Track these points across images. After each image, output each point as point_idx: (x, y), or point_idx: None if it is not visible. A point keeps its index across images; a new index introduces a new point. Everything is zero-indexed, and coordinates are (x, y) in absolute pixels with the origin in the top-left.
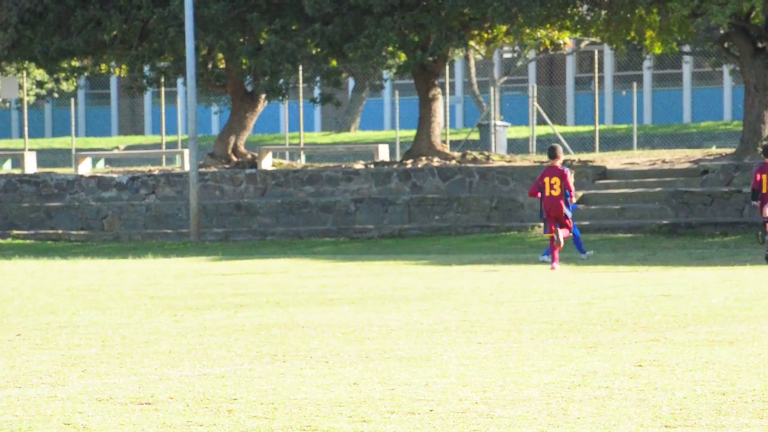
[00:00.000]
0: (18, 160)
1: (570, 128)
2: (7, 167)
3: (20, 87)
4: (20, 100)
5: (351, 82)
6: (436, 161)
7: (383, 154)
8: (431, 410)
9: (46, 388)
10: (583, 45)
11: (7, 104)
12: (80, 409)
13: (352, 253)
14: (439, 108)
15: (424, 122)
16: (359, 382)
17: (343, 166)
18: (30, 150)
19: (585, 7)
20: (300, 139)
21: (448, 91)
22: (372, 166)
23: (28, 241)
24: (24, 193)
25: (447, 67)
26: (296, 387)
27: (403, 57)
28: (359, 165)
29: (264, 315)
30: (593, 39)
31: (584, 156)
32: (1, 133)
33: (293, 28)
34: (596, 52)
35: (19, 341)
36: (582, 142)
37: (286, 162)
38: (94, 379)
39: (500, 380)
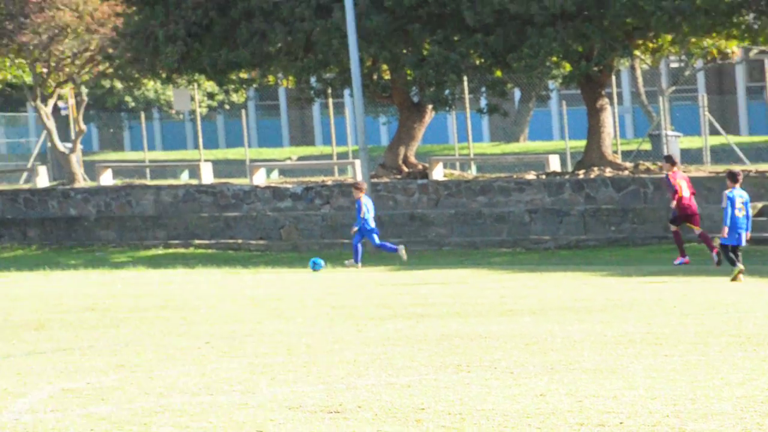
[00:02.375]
0: (195, 171)
1: (744, 138)
2: (184, 177)
3: (192, 99)
4: (193, 112)
5: (517, 93)
6: (608, 171)
7: (554, 164)
8: (621, 423)
9: (236, 396)
10: (752, 54)
11: (181, 116)
12: (271, 417)
13: (528, 263)
14: (607, 118)
15: (593, 132)
16: (546, 394)
17: (515, 176)
18: (205, 161)
19: (752, 15)
20: (469, 150)
21: (616, 101)
22: (544, 176)
23: (209, 251)
24: (203, 203)
25: (613, 77)
26: (483, 397)
27: (567, 67)
28: (531, 175)
29: (445, 325)
30: (762, 48)
31: (761, 167)
32: (177, 144)
33: (455, 39)
34: (766, 61)
35: (207, 349)
36: (758, 153)
37: (456, 172)
38: (282, 387)
39: (690, 393)
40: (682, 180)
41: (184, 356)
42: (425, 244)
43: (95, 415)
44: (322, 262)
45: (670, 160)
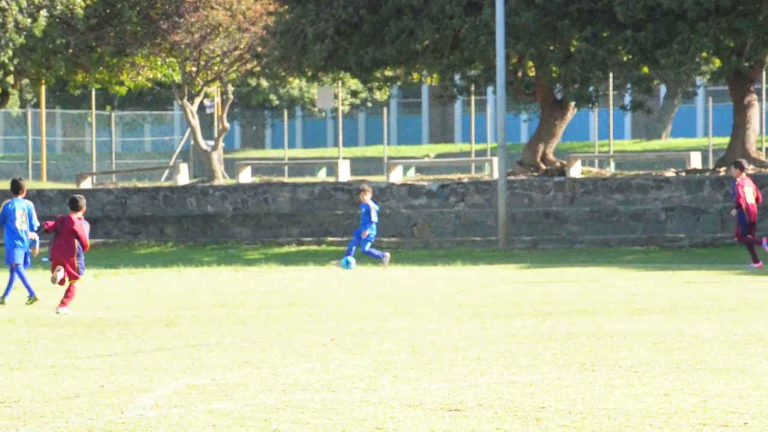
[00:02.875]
0: (332, 168)
1: None
2: (322, 175)
3: (335, 96)
4: (335, 110)
5: (662, 89)
6: (750, 169)
7: (695, 161)
8: (745, 423)
9: (358, 393)
10: None
11: (323, 113)
12: (391, 414)
13: (662, 262)
14: (754, 114)
15: (738, 129)
16: (670, 393)
17: (654, 173)
18: (344, 158)
19: None
20: (609, 147)
21: (764, 97)
22: (683, 173)
23: (341, 248)
24: (338, 200)
25: (764, 73)
26: (605, 396)
27: (717, 63)
28: (670, 173)
29: (572, 324)
30: None
31: None
32: (317, 141)
33: (604, 35)
34: None
35: (332, 346)
36: None
37: (595, 170)
38: (404, 384)
39: None
40: (749, 186)
41: (308, 353)
42: (557, 242)
43: (218, 411)
44: (352, 262)
45: (739, 165)
